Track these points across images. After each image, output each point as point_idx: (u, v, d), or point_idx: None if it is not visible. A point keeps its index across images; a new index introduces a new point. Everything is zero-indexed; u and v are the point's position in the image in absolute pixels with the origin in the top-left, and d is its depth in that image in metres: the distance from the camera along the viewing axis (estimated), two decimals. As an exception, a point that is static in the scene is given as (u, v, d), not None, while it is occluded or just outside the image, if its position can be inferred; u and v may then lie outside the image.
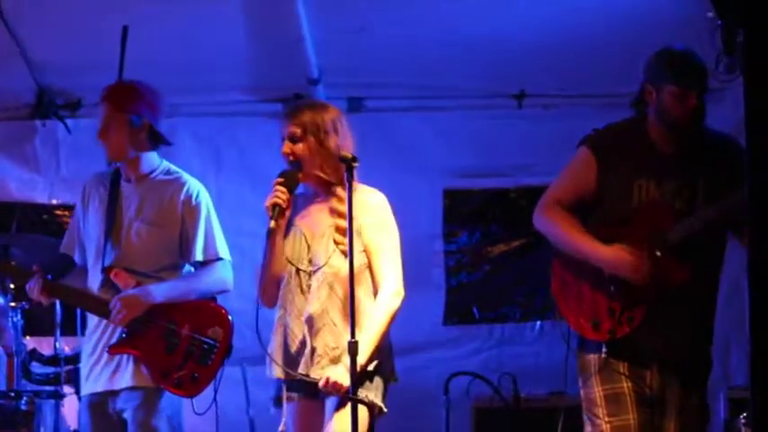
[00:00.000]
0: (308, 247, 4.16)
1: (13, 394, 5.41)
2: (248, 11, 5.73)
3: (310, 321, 4.08)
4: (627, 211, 4.15)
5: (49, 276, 4.61)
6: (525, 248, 6.60)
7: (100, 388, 4.56)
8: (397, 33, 5.82)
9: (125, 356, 4.53)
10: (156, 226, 4.62)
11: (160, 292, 4.53)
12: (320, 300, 4.09)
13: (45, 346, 5.78)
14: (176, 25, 5.71)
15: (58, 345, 5.61)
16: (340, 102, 5.82)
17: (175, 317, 4.55)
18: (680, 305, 4.10)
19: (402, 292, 4.11)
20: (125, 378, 4.52)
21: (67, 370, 5.52)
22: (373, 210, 4.16)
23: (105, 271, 4.59)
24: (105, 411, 4.56)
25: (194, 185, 4.70)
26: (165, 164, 4.76)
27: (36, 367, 5.65)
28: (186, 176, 4.74)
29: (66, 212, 6.58)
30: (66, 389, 5.54)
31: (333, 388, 3.94)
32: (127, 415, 4.52)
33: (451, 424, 6.00)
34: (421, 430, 6.10)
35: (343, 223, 3.99)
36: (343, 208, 3.98)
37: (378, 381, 4.08)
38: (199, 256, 4.63)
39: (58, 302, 5.39)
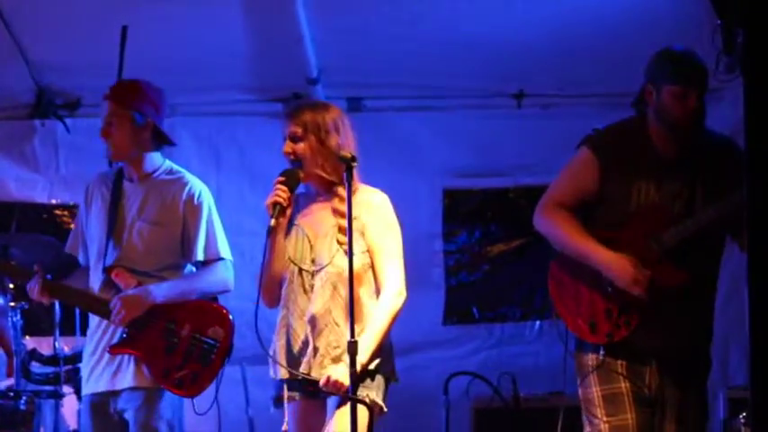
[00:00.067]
0: (311, 246, 4.16)
1: (12, 394, 5.41)
2: (247, 11, 5.72)
3: (313, 321, 4.08)
4: (625, 213, 4.14)
5: (50, 276, 4.61)
6: (525, 248, 6.60)
7: (101, 388, 4.56)
8: (396, 33, 5.81)
9: (126, 357, 4.53)
10: (157, 225, 4.62)
11: (161, 291, 4.53)
12: (323, 299, 4.09)
13: (44, 345, 5.77)
14: (175, 25, 5.71)
15: (57, 345, 5.60)
16: (339, 101, 5.82)
17: (176, 317, 4.54)
18: (678, 306, 4.10)
19: (404, 293, 4.11)
20: (126, 378, 4.52)
21: (67, 370, 5.51)
22: (376, 210, 4.17)
23: (106, 271, 4.59)
24: (106, 411, 4.56)
25: (196, 185, 4.70)
26: (168, 163, 4.76)
27: (35, 367, 5.65)
28: (189, 176, 4.74)
29: (66, 212, 6.59)
30: (66, 389, 5.54)
31: (333, 387, 3.94)
32: (128, 415, 4.52)
33: (451, 424, 5.99)
34: (420, 430, 6.10)
35: (347, 223, 3.99)
36: (347, 208, 3.98)
37: (379, 379, 4.08)
38: (200, 256, 4.63)
39: (57, 302, 5.38)
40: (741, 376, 5.90)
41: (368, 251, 4.14)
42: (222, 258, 4.67)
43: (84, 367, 4.67)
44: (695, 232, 4.04)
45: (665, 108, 4.08)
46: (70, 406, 5.57)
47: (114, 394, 4.54)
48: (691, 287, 4.09)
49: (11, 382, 5.59)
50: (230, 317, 4.57)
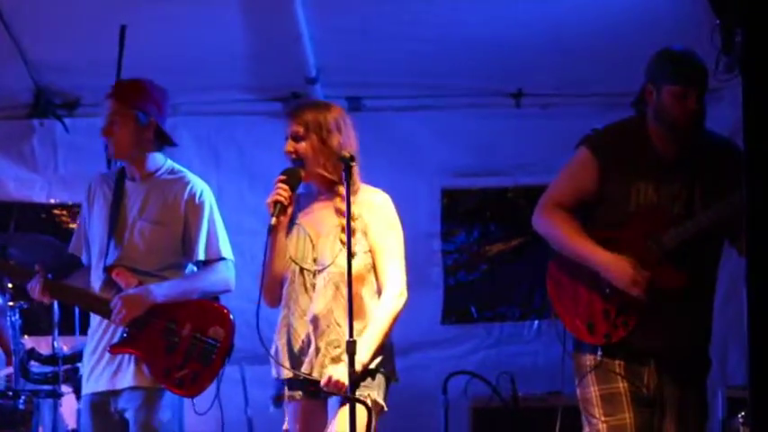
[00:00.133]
0: (313, 246, 4.16)
1: (11, 393, 5.41)
2: (246, 10, 5.72)
3: (315, 321, 4.08)
4: (625, 213, 4.14)
5: (50, 276, 4.60)
6: (523, 248, 6.60)
7: (101, 387, 4.56)
8: (395, 33, 5.82)
9: (126, 356, 4.53)
10: (159, 225, 4.62)
11: (161, 291, 4.53)
12: (325, 299, 4.08)
13: (43, 345, 5.77)
14: (174, 24, 5.70)
15: (56, 344, 5.61)
16: (338, 101, 5.80)
17: (177, 316, 4.54)
18: (678, 307, 4.10)
19: (405, 294, 4.11)
20: (126, 378, 4.52)
21: (65, 369, 5.51)
22: (378, 209, 4.17)
23: (107, 270, 4.58)
24: (107, 411, 4.56)
25: (198, 185, 4.70)
26: (170, 163, 4.76)
27: (34, 366, 5.65)
28: (190, 176, 4.73)
29: (65, 212, 6.59)
30: (65, 388, 5.54)
31: (335, 387, 3.93)
32: (128, 415, 4.52)
33: (450, 423, 5.99)
34: (419, 430, 6.10)
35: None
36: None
37: (380, 378, 4.08)
38: (201, 256, 4.63)
39: (56, 302, 5.38)
40: (740, 376, 5.90)
41: (370, 251, 4.14)
42: (224, 258, 4.66)
43: (85, 367, 4.67)
44: (695, 234, 4.04)
45: (665, 108, 4.08)
46: (69, 405, 5.57)
47: (114, 394, 4.54)
48: (690, 288, 4.09)
49: (9, 370, 5.58)
50: (231, 317, 4.57)
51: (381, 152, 6.08)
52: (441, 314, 6.57)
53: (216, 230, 4.66)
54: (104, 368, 4.56)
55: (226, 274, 4.67)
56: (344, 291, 4.02)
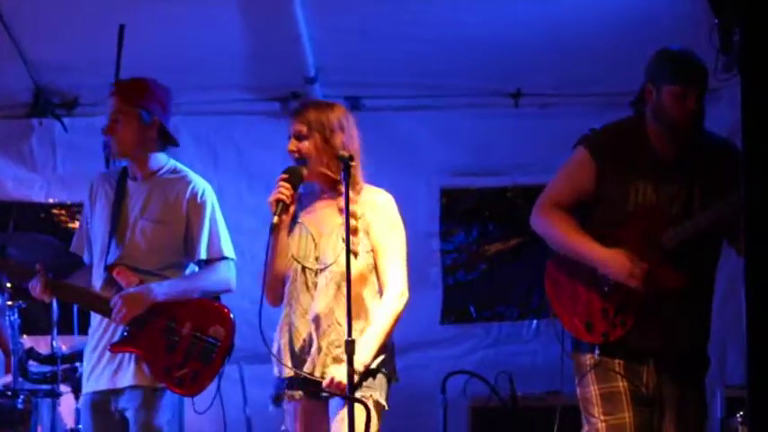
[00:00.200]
0: (315, 244, 4.15)
1: (10, 393, 5.41)
2: (245, 10, 5.73)
3: (317, 321, 4.07)
4: (623, 213, 4.14)
5: (51, 275, 4.60)
6: (522, 247, 6.60)
7: (102, 386, 4.56)
8: (394, 32, 5.82)
9: (127, 355, 4.53)
10: (160, 224, 4.61)
11: (162, 290, 4.53)
12: (327, 299, 4.08)
13: (42, 344, 5.78)
14: (173, 24, 5.71)
15: (54, 343, 5.61)
16: (337, 101, 5.77)
17: (177, 315, 4.54)
18: (677, 307, 4.10)
19: (407, 294, 4.11)
20: (127, 377, 4.51)
21: (64, 369, 5.52)
22: (381, 209, 4.17)
23: (108, 269, 4.58)
24: (107, 410, 4.56)
25: (200, 184, 4.70)
26: (172, 162, 4.75)
27: (33, 366, 5.65)
28: (192, 175, 4.73)
29: (63, 211, 6.59)
30: (63, 387, 5.54)
31: (337, 388, 3.92)
32: (128, 414, 4.52)
33: (448, 423, 5.99)
34: (418, 429, 6.10)
35: (352, 222, 3.99)
36: (351, 207, 3.98)
37: (381, 378, 4.07)
38: (203, 255, 4.63)
39: (54, 301, 5.38)
40: (738, 375, 5.90)
41: (372, 251, 4.14)
42: (225, 257, 4.66)
43: (85, 366, 4.66)
44: (694, 234, 4.04)
45: (665, 108, 4.07)
46: (67, 405, 5.58)
47: (115, 393, 4.54)
48: (689, 288, 4.09)
49: (9, 379, 5.59)
50: (231, 316, 4.56)
51: (380, 152, 6.00)
52: (439, 314, 6.57)
53: (218, 230, 4.66)
54: (105, 367, 4.56)
55: (227, 273, 4.66)
56: (345, 290, 4.02)
